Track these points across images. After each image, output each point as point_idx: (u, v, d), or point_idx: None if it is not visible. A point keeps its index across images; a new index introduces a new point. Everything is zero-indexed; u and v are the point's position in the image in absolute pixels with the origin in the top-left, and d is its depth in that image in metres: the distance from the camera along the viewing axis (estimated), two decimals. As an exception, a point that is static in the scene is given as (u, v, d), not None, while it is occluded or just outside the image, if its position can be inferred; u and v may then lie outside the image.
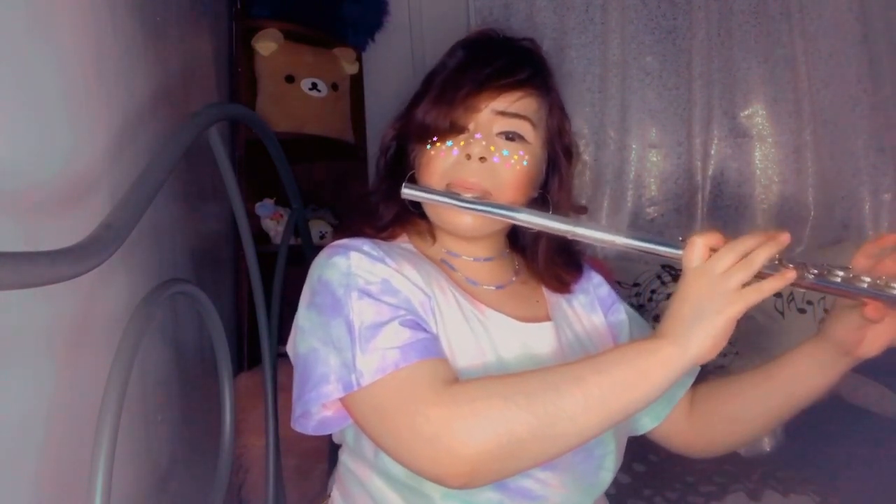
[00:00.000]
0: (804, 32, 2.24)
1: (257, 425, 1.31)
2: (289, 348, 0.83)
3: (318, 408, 0.77)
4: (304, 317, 0.79)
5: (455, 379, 0.72)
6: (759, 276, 0.67)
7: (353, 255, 0.79)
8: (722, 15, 2.29)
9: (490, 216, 0.80)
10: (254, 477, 1.50)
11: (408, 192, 0.82)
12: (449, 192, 0.81)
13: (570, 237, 0.77)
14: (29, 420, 0.67)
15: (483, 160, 0.81)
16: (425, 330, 0.75)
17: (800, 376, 0.83)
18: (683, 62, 2.31)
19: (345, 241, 0.82)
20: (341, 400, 0.75)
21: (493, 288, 0.89)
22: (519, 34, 0.92)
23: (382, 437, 0.72)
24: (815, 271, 0.70)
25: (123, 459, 0.77)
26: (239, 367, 1.75)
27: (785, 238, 0.68)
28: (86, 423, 0.65)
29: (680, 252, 0.70)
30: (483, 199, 0.81)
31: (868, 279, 0.71)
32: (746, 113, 2.31)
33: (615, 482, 0.88)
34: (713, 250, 0.68)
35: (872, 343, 0.76)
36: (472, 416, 0.66)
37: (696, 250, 0.68)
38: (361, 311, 0.74)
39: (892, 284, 0.71)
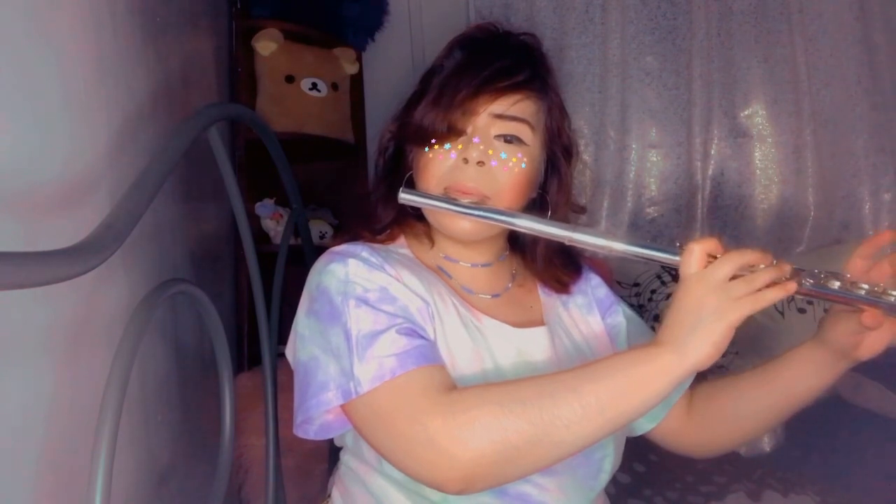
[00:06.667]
0: (804, 32, 2.24)
1: (257, 425, 1.31)
2: (288, 354, 0.83)
3: (319, 413, 0.77)
4: (303, 324, 0.79)
5: (452, 385, 0.72)
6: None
7: (352, 262, 0.79)
8: (722, 15, 2.29)
9: (487, 221, 0.80)
10: (254, 477, 1.50)
11: (405, 197, 0.81)
12: (446, 197, 0.81)
13: (567, 243, 0.77)
14: (29, 420, 0.67)
15: (481, 164, 0.81)
16: (422, 337, 0.75)
17: (798, 378, 0.83)
18: (683, 62, 2.31)
19: (343, 247, 0.82)
20: (341, 406, 0.75)
21: (489, 296, 0.89)
22: (519, 30, 0.92)
23: (381, 443, 0.72)
24: (812, 279, 0.70)
25: (123, 459, 0.78)
26: (239, 367, 1.75)
27: (787, 269, 0.68)
28: (86, 423, 0.65)
29: (677, 258, 0.70)
30: (481, 204, 0.80)
31: (866, 286, 0.71)
32: (746, 113, 2.31)
33: (615, 482, 0.88)
34: (711, 256, 0.68)
35: (870, 346, 0.76)
36: (467, 423, 0.66)
37: (694, 257, 0.68)
38: (359, 320, 0.74)
39: (890, 292, 0.71)
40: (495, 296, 0.90)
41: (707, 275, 0.66)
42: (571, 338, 0.90)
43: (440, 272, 0.88)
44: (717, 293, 0.65)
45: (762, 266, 0.67)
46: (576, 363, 0.85)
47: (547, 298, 0.93)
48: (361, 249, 0.81)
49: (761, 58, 2.28)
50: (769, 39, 2.28)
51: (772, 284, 0.66)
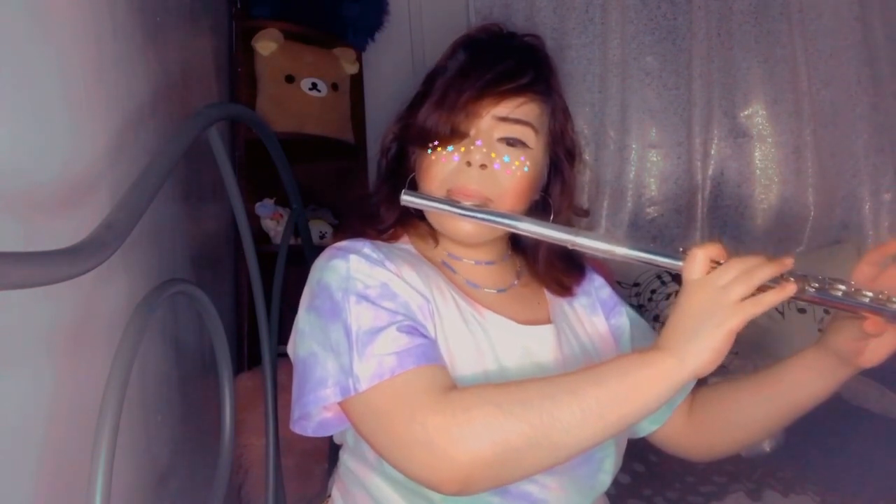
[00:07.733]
0: (804, 32, 2.24)
1: (257, 425, 1.31)
2: (289, 350, 0.82)
3: (317, 410, 0.77)
4: (303, 319, 0.79)
5: (452, 385, 0.72)
6: (760, 289, 0.66)
7: (353, 258, 0.78)
8: (722, 15, 2.30)
9: (490, 224, 0.80)
10: (254, 477, 1.50)
11: (407, 199, 0.81)
12: (449, 200, 0.81)
13: (570, 247, 0.77)
14: (29, 420, 0.67)
15: (484, 167, 0.81)
16: (423, 335, 0.75)
17: (799, 384, 0.82)
18: (683, 62, 2.32)
19: (345, 243, 0.82)
20: (340, 404, 0.75)
21: (494, 291, 0.89)
22: (522, 31, 0.92)
23: (379, 441, 0.72)
24: (817, 284, 0.69)
25: (123, 459, 0.78)
26: (239, 367, 1.75)
27: (789, 262, 0.67)
28: (86, 423, 0.65)
29: (680, 264, 0.70)
30: (483, 207, 0.80)
31: (870, 294, 0.70)
32: (746, 113, 2.32)
33: (615, 482, 0.88)
34: (714, 262, 0.68)
35: (873, 353, 0.75)
36: (467, 423, 0.65)
37: (697, 263, 0.68)
38: (359, 316, 0.73)
39: (894, 299, 0.70)
40: (501, 291, 0.89)
41: (709, 281, 0.66)
42: (577, 337, 0.90)
43: (444, 267, 0.88)
44: (719, 298, 0.65)
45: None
46: (581, 363, 0.85)
47: (554, 297, 0.93)
48: (363, 245, 0.81)
49: (761, 58, 2.29)
50: (769, 39, 2.28)
51: (770, 287, 0.66)
